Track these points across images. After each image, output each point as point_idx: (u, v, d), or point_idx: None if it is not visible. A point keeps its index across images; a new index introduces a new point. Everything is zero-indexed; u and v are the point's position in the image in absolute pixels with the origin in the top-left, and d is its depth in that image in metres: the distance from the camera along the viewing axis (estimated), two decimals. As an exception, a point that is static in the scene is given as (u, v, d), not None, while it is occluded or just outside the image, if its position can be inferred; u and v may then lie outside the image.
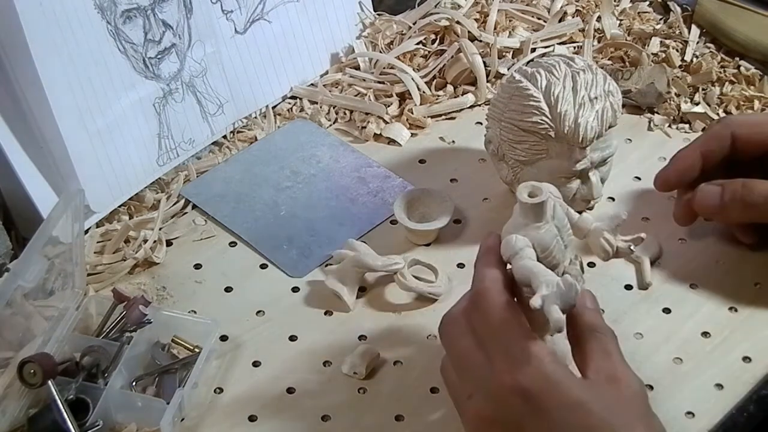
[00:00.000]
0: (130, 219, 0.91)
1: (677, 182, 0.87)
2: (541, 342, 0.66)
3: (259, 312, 0.85)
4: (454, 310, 0.70)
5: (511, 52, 1.06)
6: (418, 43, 1.06)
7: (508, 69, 1.04)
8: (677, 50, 1.06)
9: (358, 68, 1.05)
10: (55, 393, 0.74)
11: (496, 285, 0.68)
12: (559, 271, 0.71)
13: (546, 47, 1.07)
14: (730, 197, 0.83)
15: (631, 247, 0.74)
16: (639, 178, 0.95)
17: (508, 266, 0.71)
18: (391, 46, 1.07)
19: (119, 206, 0.92)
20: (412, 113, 1.00)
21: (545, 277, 0.65)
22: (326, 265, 0.87)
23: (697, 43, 1.07)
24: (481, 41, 1.05)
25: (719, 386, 0.79)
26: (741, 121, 0.87)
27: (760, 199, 0.82)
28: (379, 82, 1.03)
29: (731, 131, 0.85)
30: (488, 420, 0.66)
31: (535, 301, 0.64)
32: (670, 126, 1.00)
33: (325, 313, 0.85)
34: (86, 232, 0.88)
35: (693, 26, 1.09)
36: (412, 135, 1.00)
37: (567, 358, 0.71)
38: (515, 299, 0.69)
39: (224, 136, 0.99)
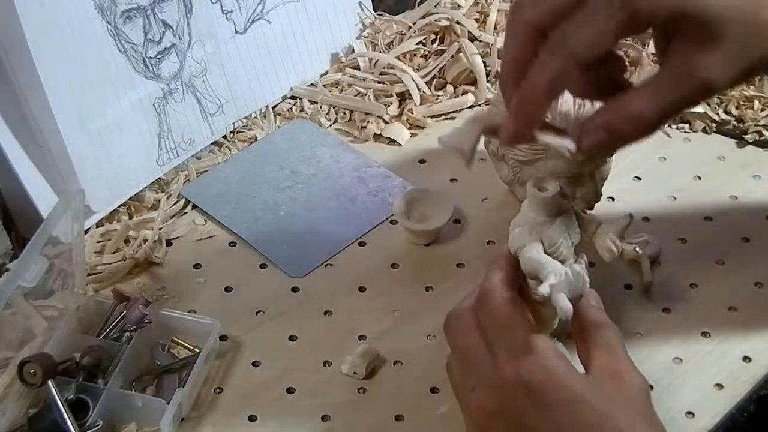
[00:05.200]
0: (130, 219, 0.91)
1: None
2: (544, 337, 0.66)
3: (259, 312, 0.85)
4: (460, 307, 0.71)
5: (511, 52, 1.06)
6: (418, 43, 1.06)
7: (508, 69, 1.04)
8: (677, 50, 1.06)
9: (358, 68, 1.05)
10: (55, 393, 0.74)
11: (500, 283, 0.68)
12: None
13: (546, 47, 1.07)
14: None
15: (637, 249, 0.74)
16: (639, 178, 0.95)
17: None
18: (391, 46, 1.07)
19: (119, 206, 0.92)
20: (412, 113, 1.00)
21: (553, 266, 0.65)
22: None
23: (697, 43, 1.07)
24: (481, 41, 1.05)
25: (719, 386, 0.79)
26: None
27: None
28: (379, 82, 1.03)
29: None
30: (490, 413, 0.66)
31: (543, 289, 0.64)
32: (670, 126, 1.00)
33: (325, 313, 0.85)
34: (86, 232, 0.88)
35: (693, 26, 1.09)
36: (412, 135, 1.00)
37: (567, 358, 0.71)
38: (521, 298, 0.69)
39: (224, 136, 0.99)
